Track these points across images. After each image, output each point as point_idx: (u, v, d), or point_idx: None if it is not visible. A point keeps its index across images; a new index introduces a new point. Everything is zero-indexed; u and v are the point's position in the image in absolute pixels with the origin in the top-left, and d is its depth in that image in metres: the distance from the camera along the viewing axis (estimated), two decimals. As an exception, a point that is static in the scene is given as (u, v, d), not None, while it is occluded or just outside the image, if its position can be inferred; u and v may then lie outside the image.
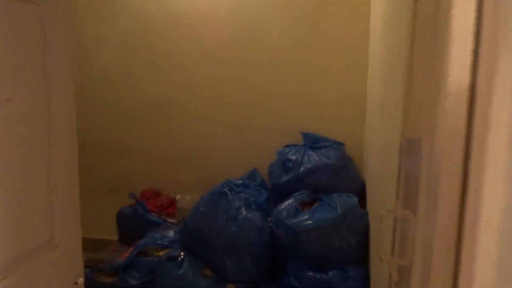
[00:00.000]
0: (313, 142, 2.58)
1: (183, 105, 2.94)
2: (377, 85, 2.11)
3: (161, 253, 2.38)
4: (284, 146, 2.63)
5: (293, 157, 2.45)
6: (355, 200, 2.21)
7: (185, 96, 2.92)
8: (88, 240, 3.31)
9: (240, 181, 2.52)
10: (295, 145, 2.61)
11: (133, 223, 2.75)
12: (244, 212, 2.16)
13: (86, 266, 2.48)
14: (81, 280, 1.33)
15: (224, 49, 2.81)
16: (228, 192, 2.24)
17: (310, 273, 2.09)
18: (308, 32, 2.67)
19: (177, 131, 2.97)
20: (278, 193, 2.50)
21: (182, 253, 2.30)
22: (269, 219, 2.31)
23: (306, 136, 2.65)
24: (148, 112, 2.99)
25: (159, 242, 2.41)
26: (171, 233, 2.50)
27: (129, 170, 3.08)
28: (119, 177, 3.10)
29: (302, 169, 2.39)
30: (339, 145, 2.55)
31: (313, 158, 2.42)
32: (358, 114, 2.69)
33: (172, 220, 2.78)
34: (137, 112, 3.01)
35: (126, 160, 3.08)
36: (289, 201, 2.25)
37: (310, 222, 2.06)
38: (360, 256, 2.19)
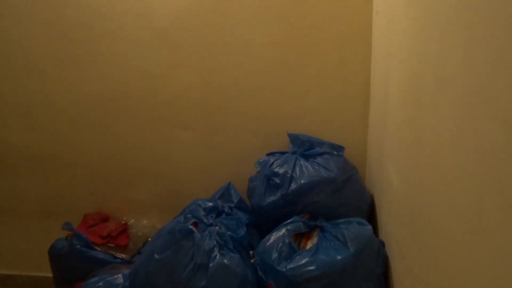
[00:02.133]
0: (304, 147, 1.96)
1: (134, 104, 2.25)
2: (395, 66, 1.49)
3: (104, 309, 1.72)
4: (267, 154, 2.00)
5: (281, 170, 1.83)
6: (369, 229, 1.61)
7: (136, 91, 2.23)
8: (18, 278, 2.63)
9: (211, 203, 1.88)
10: (282, 152, 1.98)
11: (71, 262, 2.07)
12: (218, 256, 1.52)
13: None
14: None
15: (184, 27, 2.13)
16: (195, 230, 1.59)
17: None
18: (295, 2, 2.02)
19: (127, 137, 2.29)
20: (262, 216, 1.88)
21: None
22: (252, 259, 1.68)
23: (294, 138, 2.02)
24: (88, 113, 2.29)
25: (102, 294, 1.75)
26: (119, 279, 1.83)
27: (67, 188, 2.39)
28: (55, 197, 2.40)
29: (293, 186, 1.77)
30: (338, 150, 1.94)
31: (308, 171, 1.79)
32: (359, 106, 2.09)
33: (123, 256, 2.12)
34: (73, 113, 2.30)
35: (62, 176, 2.38)
36: (279, 234, 1.63)
37: (312, 267, 1.44)
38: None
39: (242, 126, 2.20)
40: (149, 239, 2.24)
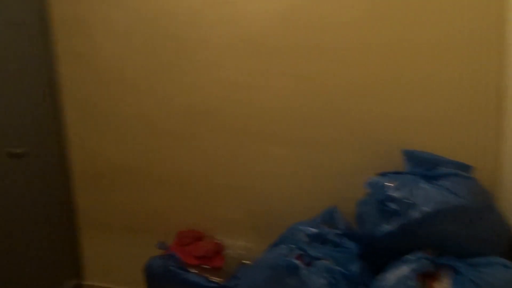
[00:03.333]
0: (424, 166, 1.67)
1: (225, 116, 2.11)
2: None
3: None
4: (379, 174, 1.74)
5: (398, 194, 1.55)
6: (518, 274, 1.29)
7: (227, 103, 2.09)
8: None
9: (314, 230, 1.67)
10: (397, 173, 1.70)
11: (165, 283, 1.99)
12: (329, 300, 1.30)
13: None
14: None
15: (277, 33, 1.95)
16: (301, 265, 1.39)
17: None
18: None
19: (219, 151, 2.16)
20: (374, 248, 1.62)
21: None
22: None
23: (410, 156, 1.74)
24: (179, 126, 2.20)
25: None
26: (215, 309, 1.70)
27: (159, 204, 2.32)
28: (148, 213, 2.35)
29: (414, 214, 1.49)
30: (467, 170, 1.62)
31: (432, 196, 1.50)
32: (491, 116, 1.74)
33: (218, 280, 1.99)
34: (164, 126, 2.22)
35: (154, 191, 2.31)
36: (401, 273, 1.37)
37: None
38: None
39: (343, 140, 1.95)
40: (244, 261, 2.10)
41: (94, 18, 2.21)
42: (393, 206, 1.54)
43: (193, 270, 2.00)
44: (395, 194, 1.56)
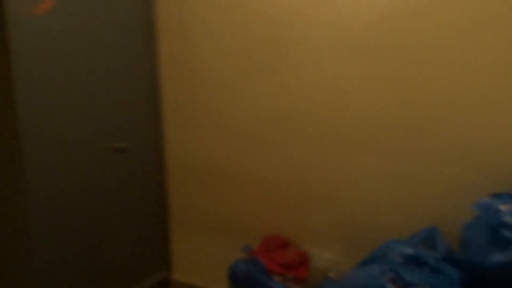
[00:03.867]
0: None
1: (317, 121, 2.03)
2: None
3: None
4: (491, 195, 1.53)
5: (514, 220, 1.35)
6: None
7: (320, 107, 2.01)
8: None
9: (410, 250, 1.51)
10: (514, 195, 1.48)
11: (248, 287, 1.96)
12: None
13: None
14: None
15: (379, 35, 1.82)
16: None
17: None
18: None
19: (309, 157, 2.08)
20: (480, 278, 1.43)
21: None
22: None
23: (532, 176, 1.50)
24: (270, 129, 2.16)
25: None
26: (297, 322, 1.63)
27: (246, 207, 2.31)
28: (235, 215, 2.35)
29: (535, 245, 1.28)
30: None
31: (558, 226, 1.28)
32: None
33: (302, 291, 1.92)
34: (255, 128, 2.21)
35: (242, 193, 2.31)
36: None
37: None
38: None
39: (450, 154, 1.76)
40: (330, 275, 2.00)
41: (194, 21, 2.27)
42: (508, 233, 1.34)
43: (276, 278, 1.95)
44: (510, 219, 1.35)
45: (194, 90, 2.36)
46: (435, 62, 1.74)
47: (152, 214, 2.46)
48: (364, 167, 1.95)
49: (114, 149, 2.18)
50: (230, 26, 2.17)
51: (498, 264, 1.33)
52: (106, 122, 2.14)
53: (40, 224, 1.86)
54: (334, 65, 1.95)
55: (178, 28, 2.33)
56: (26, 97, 1.77)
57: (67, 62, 1.93)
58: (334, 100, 1.98)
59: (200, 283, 2.53)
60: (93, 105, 2.06)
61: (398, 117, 1.85)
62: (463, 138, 1.73)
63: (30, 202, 1.81)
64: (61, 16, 1.88)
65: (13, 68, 1.71)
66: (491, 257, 1.36)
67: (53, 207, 1.91)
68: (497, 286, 1.34)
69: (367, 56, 1.88)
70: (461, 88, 1.70)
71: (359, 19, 1.85)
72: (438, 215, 1.76)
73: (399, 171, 1.88)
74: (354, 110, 1.94)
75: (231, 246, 2.37)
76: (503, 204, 1.42)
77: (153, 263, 2.49)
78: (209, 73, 2.29)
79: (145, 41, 2.34)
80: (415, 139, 1.83)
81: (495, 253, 1.35)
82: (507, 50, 1.60)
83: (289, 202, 2.17)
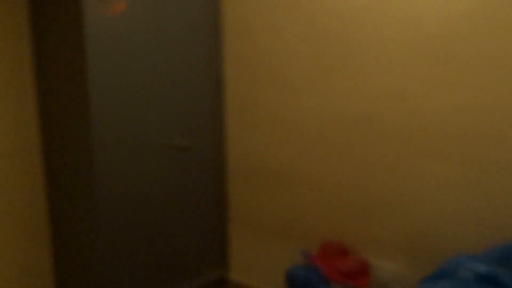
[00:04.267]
0: None
1: (385, 126, 1.94)
2: None
3: None
4: None
5: None
6: None
7: (388, 112, 1.92)
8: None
9: (484, 268, 1.40)
10: None
11: (305, 294, 1.92)
12: None
13: None
14: None
15: (458, 35, 1.71)
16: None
17: None
18: None
19: (374, 163, 2.00)
20: None
21: None
22: None
23: None
24: (335, 132, 2.11)
25: None
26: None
27: (305, 211, 2.26)
28: (295, 218, 2.32)
29: None
30: None
31: None
32: None
33: (362, 301, 1.84)
34: (320, 131, 2.16)
35: (302, 197, 2.27)
36: None
37: None
38: None
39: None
40: (392, 286, 1.91)
41: (259, 21, 2.27)
42: None
43: (335, 286, 1.89)
44: None
45: (258, 91, 2.35)
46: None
47: (211, 213, 2.49)
48: (434, 175, 1.84)
49: (177, 148, 2.23)
50: (297, 26, 2.14)
51: None
52: (171, 121, 2.19)
53: (105, 220, 1.94)
54: (404, 67, 1.86)
55: (244, 29, 2.34)
56: (99, 95, 1.86)
57: (137, 61, 2.00)
58: (404, 105, 1.88)
59: (255, 285, 2.52)
60: (159, 104, 2.12)
61: (475, 126, 1.72)
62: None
63: (97, 199, 1.89)
64: (132, 18, 1.95)
65: (88, 67, 1.80)
66: None
67: (117, 203, 1.99)
68: None
69: (441, 59, 1.77)
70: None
71: (436, 16, 1.75)
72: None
73: (471, 180, 1.75)
74: (426, 116, 1.84)
75: (289, 250, 2.34)
76: None
77: (211, 261, 2.52)
78: (274, 74, 2.27)
79: (211, 42, 2.37)
80: (492, 147, 1.70)
81: None
82: None
83: (351, 208, 2.10)
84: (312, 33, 2.09)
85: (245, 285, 2.56)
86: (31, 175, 2.15)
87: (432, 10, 1.75)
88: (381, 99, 1.94)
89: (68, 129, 1.97)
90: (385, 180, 1.98)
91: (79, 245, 2.03)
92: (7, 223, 2.08)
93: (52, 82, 2.01)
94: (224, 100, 2.51)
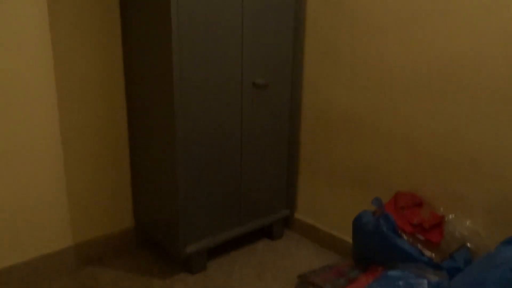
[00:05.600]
0: None
1: (485, 76, 1.76)
2: None
3: (401, 316, 1.48)
4: None
5: None
6: None
7: (490, 60, 1.74)
8: (320, 232, 2.71)
9: None
10: None
11: (372, 242, 1.91)
12: None
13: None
14: None
15: None
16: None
17: None
18: None
19: (467, 117, 1.84)
20: None
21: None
22: None
23: None
24: (425, 82, 1.96)
25: (400, 297, 1.50)
26: (424, 285, 1.54)
27: (383, 160, 2.19)
28: (368, 167, 2.26)
29: None
30: None
31: None
32: None
33: (432, 255, 1.79)
34: (408, 80, 2.02)
35: (380, 147, 2.19)
36: None
37: None
38: None
39: None
40: (468, 244, 1.83)
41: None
42: None
43: (406, 237, 1.85)
44: None
45: (341, 33, 2.24)
46: None
47: (283, 154, 2.51)
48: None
49: (255, 85, 2.22)
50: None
51: None
52: (250, 59, 2.17)
53: (185, 155, 2.02)
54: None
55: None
56: (182, 32, 1.87)
57: (223, 2, 1.97)
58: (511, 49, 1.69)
59: (321, 227, 2.55)
60: (239, 41, 2.09)
61: None
62: None
63: (177, 133, 1.96)
64: None
65: (172, 3, 1.80)
66: None
67: (198, 138, 2.05)
68: None
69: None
70: None
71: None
72: None
73: None
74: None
75: (359, 198, 2.32)
76: None
77: (280, 200, 2.57)
78: (358, 14, 2.14)
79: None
80: None
81: None
82: None
83: (434, 162, 1.99)
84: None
85: (311, 225, 2.60)
86: (116, 110, 2.28)
87: None
88: (482, 44, 1.75)
89: (150, 65, 2.03)
90: (478, 137, 1.82)
91: (160, 177, 2.15)
92: (95, 152, 2.25)
93: (135, 11, 2.05)
94: (304, 42, 2.42)
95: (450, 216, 1.91)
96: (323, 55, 2.35)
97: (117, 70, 2.24)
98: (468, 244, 1.82)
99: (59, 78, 2.04)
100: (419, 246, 1.83)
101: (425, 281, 1.56)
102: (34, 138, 2.01)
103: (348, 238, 2.32)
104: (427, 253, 1.80)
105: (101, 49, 2.16)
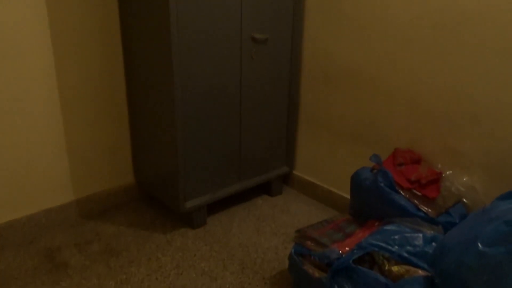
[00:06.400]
0: None
1: (488, 29, 1.72)
2: None
3: (395, 268, 1.52)
4: None
5: None
6: None
7: (493, 13, 1.68)
8: (319, 188, 2.74)
9: None
10: None
11: (370, 197, 1.93)
12: None
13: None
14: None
15: None
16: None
17: None
18: None
19: (469, 72, 1.82)
20: None
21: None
22: None
23: None
24: (427, 34, 1.92)
25: (395, 250, 1.54)
26: (418, 240, 1.57)
27: (383, 116, 2.18)
28: (367, 123, 2.25)
29: None
30: None
31: None
32: None
33: (428, 210, 1.82)
34: (409, 33, 1.98)
35: (380, 102, 2.17)
36: None
37: None
38: None
39: None
40: (464, 200, 1.86)
41: None
42: None
43: (403, 193, 1.87)
44: None
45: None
46: None
47: (282, 110, 2.49)
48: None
49: (254, 40, 2.17)
50: None
51: None
52: (249, 12, 2.11)
53: (185, 111, 2.00)
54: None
55: None
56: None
57: None
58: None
59: (319, 183, 2.57)
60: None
61: None
62: None
63: (176, 89, 1.93)
64: None
65: None
66: None
67: (197, 94, 2.03)
68: None
69: None
70: None
71: None
72: None
73: None
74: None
75: (358, 154, 2.33)
76: None
77: (279, 156, 2.58)
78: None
79: None
80: None
81: None
82: None
83: (434, 118, 1.98)
84: None
85: (309, 182, 2.62)
86: (114, 66, 2.25)
87: None
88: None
89: (147, 19, 1.98)
90: (480, 93, 1.80)
91: (159, 134, 2.14)
92: (94, 108, 2.24)
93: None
94: (307, -7, 2.35)
95: (448, 172, 1.93)
96: (325, 8, 2.29)
97: (114, 25, 2.19)
98: (465, 200, 1.85)
99: (55, 33, 2.00)
100: (416, 201, 1.85)
101: (420, 235, 1.58)
102: (33, 95, 2.00)
103: (346, 195, 2.34)
104: (423, 208, 1.83)
105: (98, 2, 2.10)
